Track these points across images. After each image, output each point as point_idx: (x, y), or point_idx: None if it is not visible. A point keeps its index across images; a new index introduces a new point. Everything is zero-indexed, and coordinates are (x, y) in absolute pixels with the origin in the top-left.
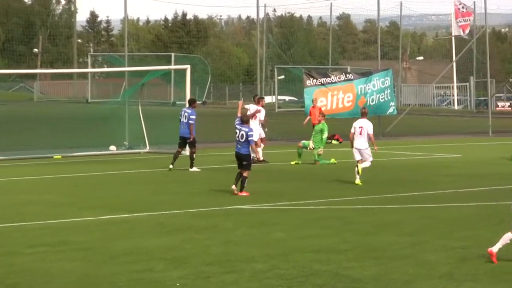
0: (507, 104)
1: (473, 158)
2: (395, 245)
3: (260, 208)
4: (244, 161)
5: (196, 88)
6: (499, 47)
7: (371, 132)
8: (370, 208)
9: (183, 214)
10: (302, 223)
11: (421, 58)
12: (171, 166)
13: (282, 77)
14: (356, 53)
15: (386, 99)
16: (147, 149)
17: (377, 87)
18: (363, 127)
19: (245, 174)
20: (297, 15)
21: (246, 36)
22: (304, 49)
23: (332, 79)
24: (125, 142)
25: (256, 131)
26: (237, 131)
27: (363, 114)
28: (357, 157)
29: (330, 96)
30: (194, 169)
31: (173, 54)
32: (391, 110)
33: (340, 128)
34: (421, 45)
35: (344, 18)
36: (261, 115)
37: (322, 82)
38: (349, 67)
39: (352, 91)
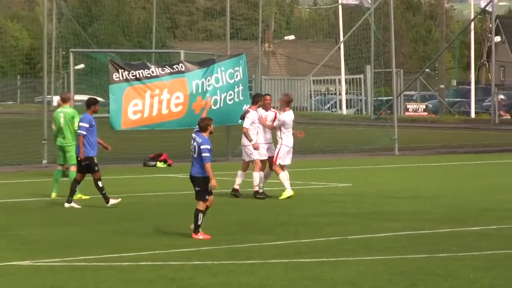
0: (422, 106)
1: (369, 188)
2: None
3: (48, 264)
4: (196, 186)
5: None
6: (410, 21)
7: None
8: (216, 264)
9: None
10: None
11: (291, 37)
12: (66, 205)
13: (82, 66)
14: (193, 30)
15: (237, 100)
16: None
17: (222, 82)
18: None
19: (198, 206)
20: None
21: (26, 5)
22: (115, 24)
23: (153, 72)
24: None
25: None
26: (192, 141)
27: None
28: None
29: (149, 97)
30: (113, 201)
31: None
32: None
33: (168, 144)
34: (291, 18)
35: None
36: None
37: (137, 76)
38: (182, 52)
39: (183, 89)
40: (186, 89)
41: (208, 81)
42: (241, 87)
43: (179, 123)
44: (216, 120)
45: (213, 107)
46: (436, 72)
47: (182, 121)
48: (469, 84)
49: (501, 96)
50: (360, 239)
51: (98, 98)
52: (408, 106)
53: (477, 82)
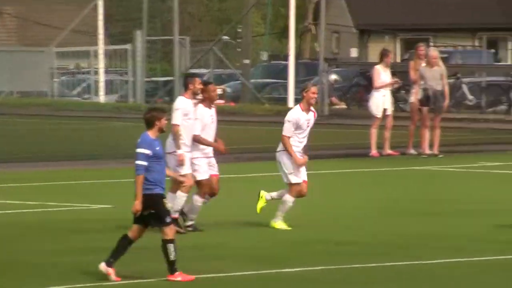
0: (217, 91)
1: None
2: None
3: None
4: (150, 207)
5: None
6: None
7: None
8: None
9: None
10: None
11: None
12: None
13: None
14: None
15: None
16: None
17: None
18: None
19: (164, 235)
20: None
21: None
22: None
23: None
24: None
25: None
26: None
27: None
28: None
29: None
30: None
31: None
32: None
33: None
34: None
35: None
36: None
37: None
38: None
39: None
40: None
41: None
42: None
43: None
44: None
45: None
46: (239, 41)
47: None
48: (286, 58)
49: (334, 76)
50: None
51: None
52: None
53: (298, 55)
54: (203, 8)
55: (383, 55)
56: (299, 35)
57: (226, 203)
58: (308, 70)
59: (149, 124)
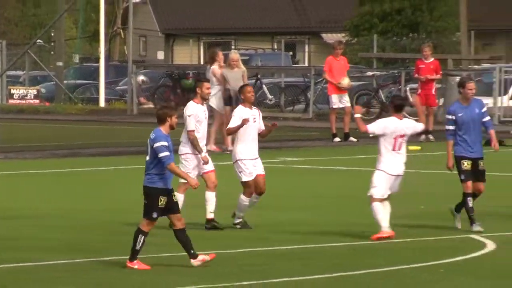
0: (32, 92)
1: None
2: None
3: None
4: (145, 198)
5: None
6: None
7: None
8: None
9: None
10: None
11: None
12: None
13: None
14: None
15: None
16: None
17: None
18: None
19: (140, 225)
20: None
21: None
22: None
23: None
24: None
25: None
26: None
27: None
28: None
29: None
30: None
31: None
32: None
33: None
34: None
35: None
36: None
37: None
38: None
39: None
40: None
41: None
42: None
43: None
44: None
45: None
46: (52, 44)
47: None
48: (97, 60)
49: (141, 77)
50: None
51: None
52: (12, 91)
53: (108, 58)
54: (19, 13)
55: (215, 54)
56: (109, 39)
57: (45, 197)
58: (117, 71)
59: (161, 120)
